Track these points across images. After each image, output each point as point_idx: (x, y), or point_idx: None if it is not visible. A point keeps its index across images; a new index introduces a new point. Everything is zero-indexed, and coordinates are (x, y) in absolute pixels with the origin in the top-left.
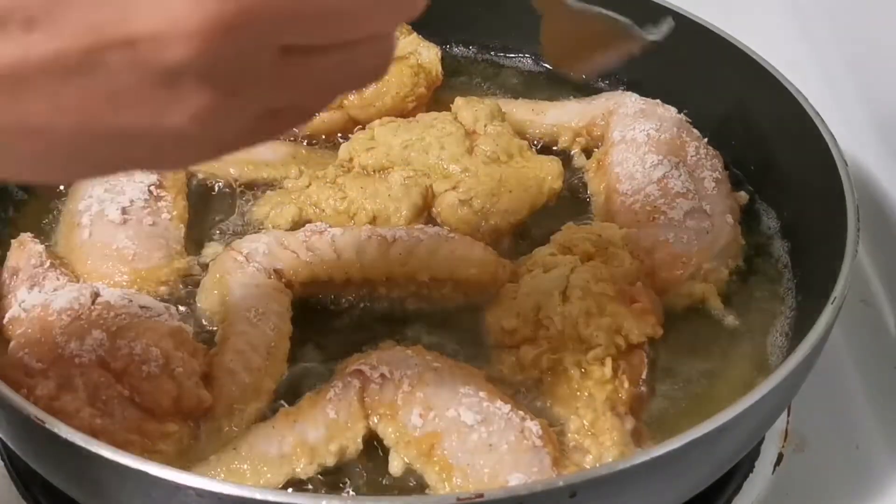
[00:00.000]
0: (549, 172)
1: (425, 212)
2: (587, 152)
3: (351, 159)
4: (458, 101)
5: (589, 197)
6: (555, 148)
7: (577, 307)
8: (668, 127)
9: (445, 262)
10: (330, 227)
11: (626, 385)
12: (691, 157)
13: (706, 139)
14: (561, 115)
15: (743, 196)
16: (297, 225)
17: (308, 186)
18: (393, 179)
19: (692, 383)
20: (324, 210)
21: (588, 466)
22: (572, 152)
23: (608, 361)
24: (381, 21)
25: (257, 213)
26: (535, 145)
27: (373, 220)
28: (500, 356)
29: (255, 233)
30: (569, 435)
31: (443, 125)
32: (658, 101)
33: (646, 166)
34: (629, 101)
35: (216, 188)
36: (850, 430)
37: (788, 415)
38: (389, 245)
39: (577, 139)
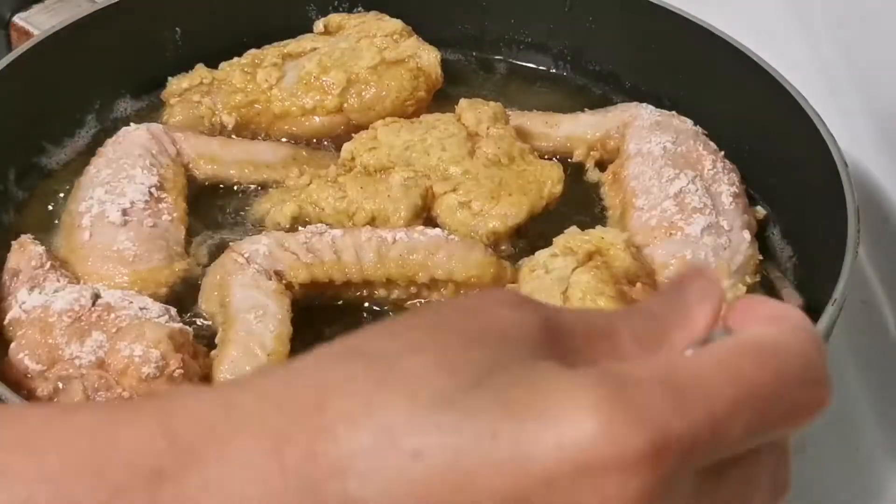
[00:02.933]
0: (549, 177)
1: (425, 213)
2: (601, 165)
3: (353, 159)
4: (463, 103)
5: (604, 208)
6: (570, 160)
7: (577, 308)
8: (684, 139)
9: (445, 264)
10: (330, 228)
11: None
12: (708, 170)
13: (723, 152)
14: (574, 128)
15: (760, 211)
16: (296, 222)
17: (309, 185)
18: (393, 180)
19: None
20: (323, 209)
21: None
22: (586, 166)
23: None
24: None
25: (257, 210)
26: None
27: (372, 220)
28: None
29: (255, 233)
30: None
31: (445, 126)
32: (674, 112)
33: (662, 180)
34: (644, 113)
35: (216, 189)
36: (850, 432)
37: None
38: (390, 247)
39: (591, 152)
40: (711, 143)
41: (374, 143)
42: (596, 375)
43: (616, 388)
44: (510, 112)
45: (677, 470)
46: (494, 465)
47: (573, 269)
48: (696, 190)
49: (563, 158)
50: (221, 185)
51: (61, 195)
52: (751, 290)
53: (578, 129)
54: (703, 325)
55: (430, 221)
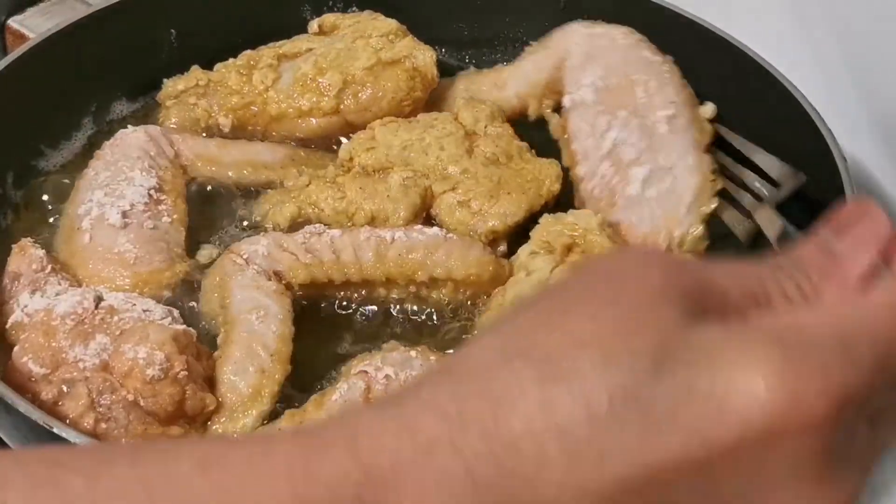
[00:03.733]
0: (547, 175)
1: (424, 212)
2: (559, 109)
3: (351, 159)
4: (460, 102)
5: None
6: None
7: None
8: (613, 69)
9: (444, 263)
10: (329, 228)
11: None
12: (640, 99)
13: (659, 58)
14: (520, 83)
15: (707, 108)
16: (295, 223)
17: (308, 185)
18: (392, 180)
19: None
20: (322, 209)
21: None
22: (548, 120)
23: None
24: None
25: (257, 212)
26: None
27: (371, 220)
28: None
29: (253, 234)
30: None
31: (443, 126)
32: (604, 25)
33: (596, 136)
34: (575, 48)
35: (215, 191)
36: None
37: None
38: (388, 246)
39: (544, 102)
40: (644, 52)
41: (373, 143)
42: (766, 338)
43: (791, 350)
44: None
45: (854, 419)
46: (679, 456)
47: (552, 270)
48: (629, 136)
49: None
50: (220, 186)
51: (60, 198)
52: (706, 220)
53: (523, 83)
54: (860, 272)
55: (429, 221)
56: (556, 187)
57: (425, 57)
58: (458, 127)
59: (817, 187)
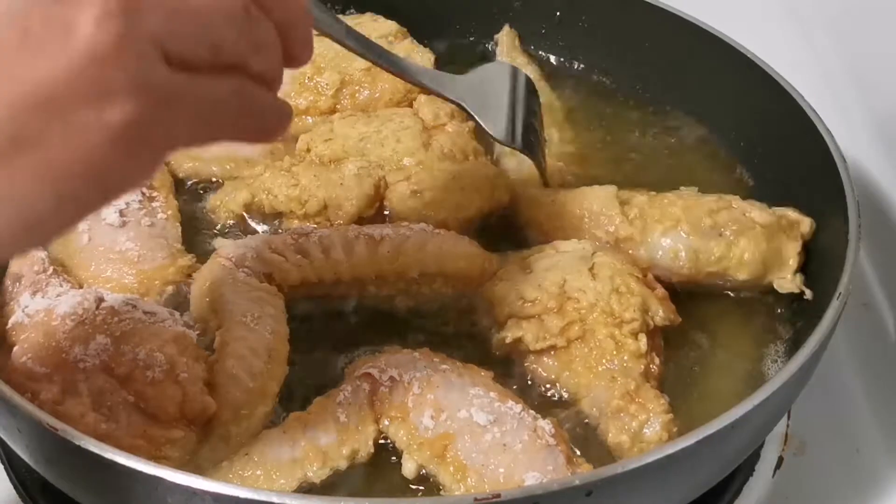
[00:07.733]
0: (503, 181)
1: (377, 202)
2: None
3: (308, 150)
4: (421, 98)
5: None
6: None
7: (608, 284)
8: None
9: (434, 257)
10: (316, 228)
11: (657, 361)
12: None
13: None
14: None
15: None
16: (248, 210)
17: (263, 174)
18: (346, 169)
19: (689, 384)
20: (276, 196)
21: (633, 432)
22: None
23: (643, 336)
24: (247, 51)
25: (212, 204)
26: None
27: (324, 208)
28: (519, 325)
29: (230, 228)
30: (613, 402)
31: (401, 119)
32: None
33: None
34: None
35: (201, 186)
36: (850, 434)
37: (788, 418)
38: (377, 243)
39: None
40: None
41: (330, 135)
42: None
43: None
44: None
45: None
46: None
47: (594, 252)
48: None
49: None
50: (206, 181)
51: None
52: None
53: None
54: None
55: (382, 211)
56: (506, 198)
57: (423, 59)
58: (416, 121)
59: (817, 188)
